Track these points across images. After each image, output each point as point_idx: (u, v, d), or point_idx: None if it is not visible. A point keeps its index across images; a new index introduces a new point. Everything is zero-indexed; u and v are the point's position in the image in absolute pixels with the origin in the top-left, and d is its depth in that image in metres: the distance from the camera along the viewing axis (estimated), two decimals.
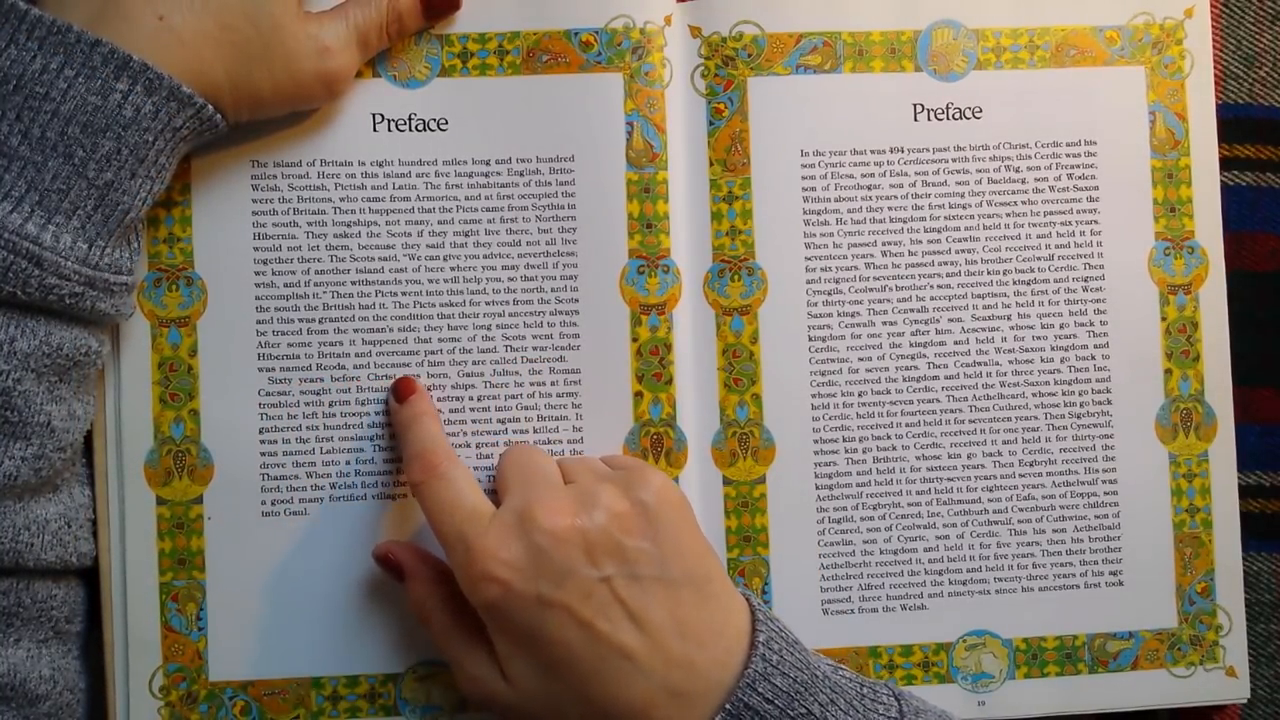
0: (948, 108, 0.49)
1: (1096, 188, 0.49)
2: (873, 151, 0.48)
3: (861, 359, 0.48)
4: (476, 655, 0.42)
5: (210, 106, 0.42)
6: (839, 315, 0.48)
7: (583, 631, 0.40)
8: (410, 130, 0.47)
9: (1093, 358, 0.49)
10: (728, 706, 0.39)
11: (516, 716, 0.41)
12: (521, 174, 0.47)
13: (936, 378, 0.48)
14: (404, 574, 0.44)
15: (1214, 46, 0.50)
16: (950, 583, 0.48)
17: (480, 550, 0.40)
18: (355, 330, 0.46)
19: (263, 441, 0.46)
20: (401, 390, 0.45)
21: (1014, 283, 0.49)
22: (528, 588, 0.39)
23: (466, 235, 0.47)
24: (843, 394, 0.48)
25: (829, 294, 0.48)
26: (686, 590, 0.41)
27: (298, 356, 0.46)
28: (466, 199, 0.47)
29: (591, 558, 0.40)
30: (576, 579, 0.39)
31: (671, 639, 0.40)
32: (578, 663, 0.40)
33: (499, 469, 0.44)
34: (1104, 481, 0.49)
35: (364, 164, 0.46)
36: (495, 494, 0.43)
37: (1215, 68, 0.50)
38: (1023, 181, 0.49)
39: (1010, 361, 0.49)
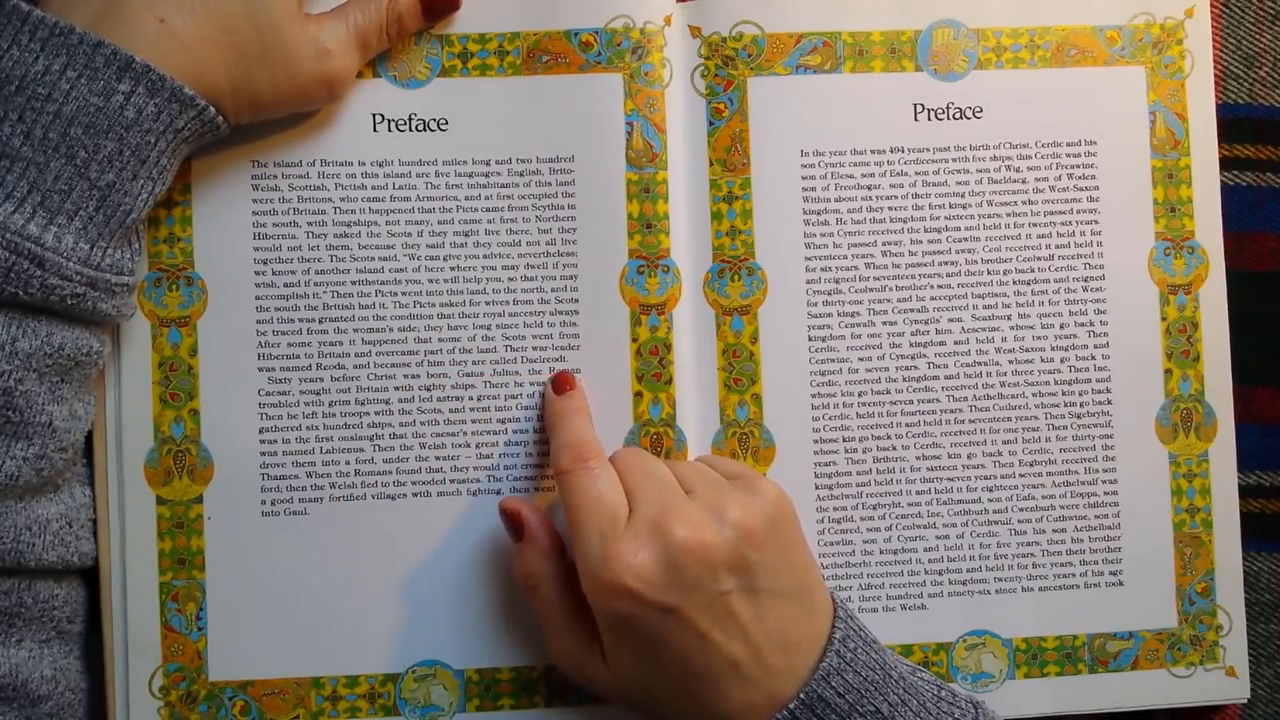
0: (948, 108, 0.49)
1: (1096, 188, 0.49)
2: (873, 151, 0.48)
3: (861, 359, 0.48)
4: (579, 636, 0.43)
5: (212, 108, 0.42)
6: (839, 315, 0.48)
7: (697, 639, 0.40)
8: (410, 130, 0.47)
9: (1093, 358, 0.49)
10: (801, 696, 0.40)
11: (609, 693, 0.43)
12: (521, 174, 0.47)
13: (936, 378, 0.48)
14: (523, 535, 0.44)
15: (1214, 46, 0.50)
16: (950, 583, 0.48)
17: (615, 555, 0.40)
18: (355, 330, 0.46)
19: (263, 441, 0.46)
20: (560, 383, 0.46)
21: (1014, 283, 0.49)
22: (655, 597, 0.40)
23: (466, 235, 0.47)
24: (843, 394, 0.48)
25: (829, 294, 0.48)
26: (793, 603, 0.42)
27: (298, 356, 0.46)
28: (466, 199, 0.47)
29: (717, 573, 0.40)
30: (701, 592, 0.40)
31: (774, 650, 0.41)
32: (686, 665, 0.41)
33: (619, 472, 0.43)
34: (1104, 481, 0.49)
35: (364, 164, 0.46)
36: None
37: (1215, 68, 0.50)
38: (1023, 181, 0.49)
39: (1010, 361, 0.49)
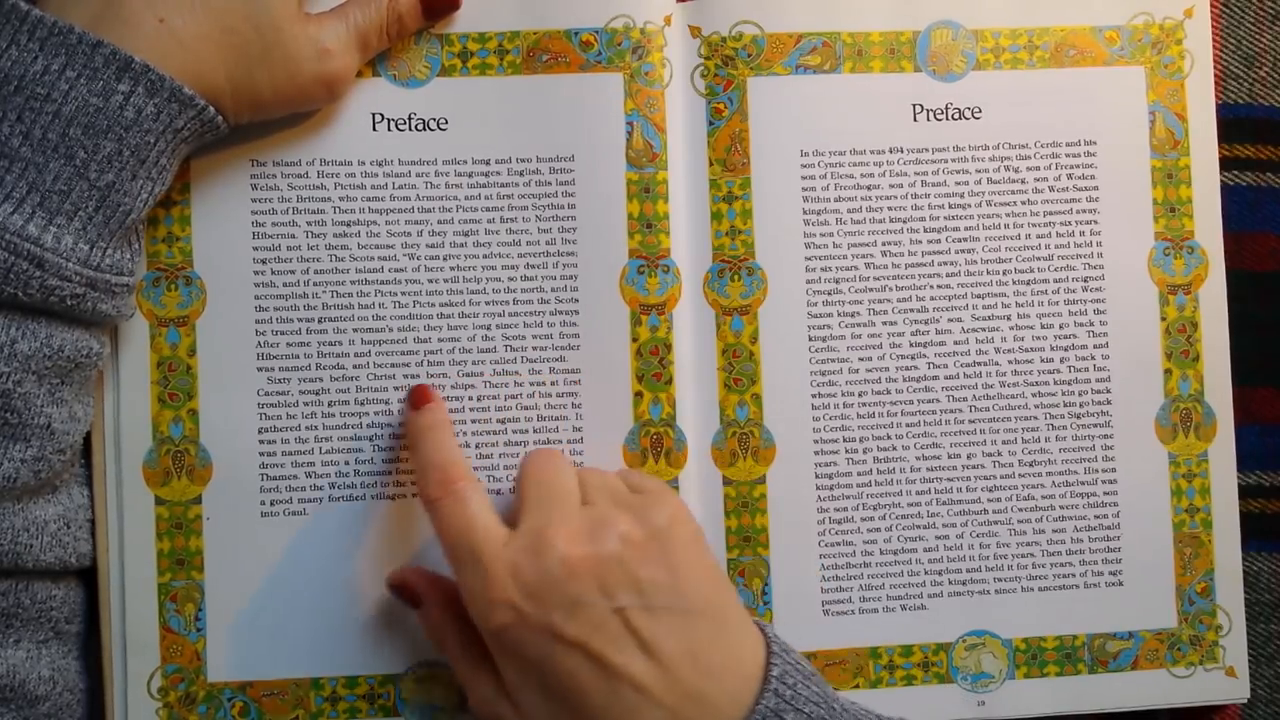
0: (947, 108, 0.49)
1: (1096, 188, 0.49)
2: (872, 151, 0.48)
3: (861, 359, 0.48)
4: (487, 681, 0.42)
5: (211, 108, 0.42)
6: (839, 315, 0.48)
7: (594, 664, 0.39)
8: (410, 130, 0.47)
9: (1092, 358, 0.49)
10: None
11: None
12: (521, 174, 0.47)
13: (936, 378, 0.48)
14: (419, 601, 0.44)
15: (1214, 46, 0.50)
16: (950, 583, 0.48)
17: (493, 575, 0.39)
18: (355, 330, 0.46)
19: (262, 441, 0.46)
20: (417, 398, 0.45)
21: (1014, 283, 0.49)
22: (539, 615, 0.39)
23: (466, 235, 0.47)
24: (843, 394, 0.48)
25: (829, 294, 0.48)
26: (701, 621, 0.40)
27: (297, 356, 0.46)
28: (466, 199, 0.47)
29: (604, 588, 0.39)
30: (589, 609, 0.39)
31: (685, 671, 0.39)
32: (589, 695, 0.39)
33: (519, 479, 0.43)
34: (1104, 481, 0.49)
35: (364, 163, 0.46)
36: (513, 508, 0.43)
37: (1215, 68, 0.50)
38: (1022, 182, 0.49)
39: (1010, 361, 0.49)
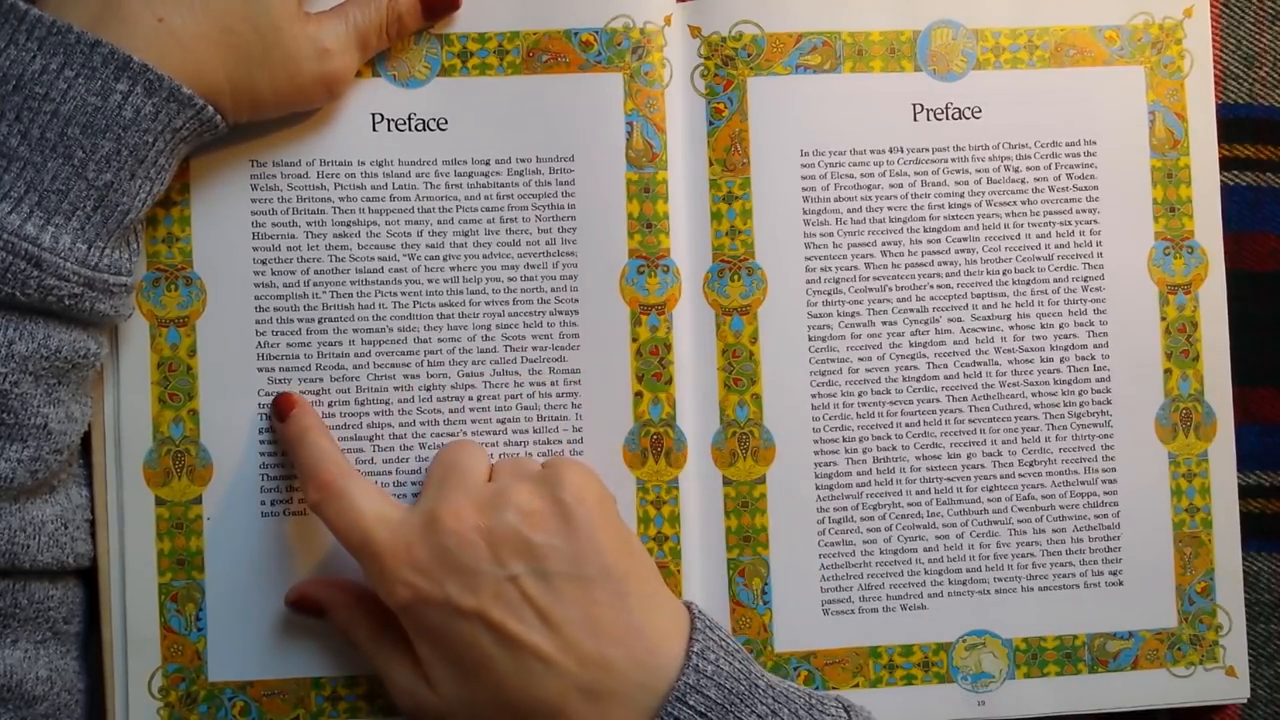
0: (947, 108, 0.49)
1: (1096, 188, 0.49)
2: (872, 151, 0.48)
3: (861, 359, 0.48)
4: (401, 666, 0.42)
5: (210, 108, 0.42)
6: (839, 315, 0.48)
7: (493, 633, 0.40)
8: (410, 130, 0.47)
9: (1092, 358, 0.49)
10: (659, 718, 0.39)
11: None
12: (521, 174, 0.47)
13: (936, 378, 0.48)
14: (322, 609, 0.44)
15: (1214, 46, 0.50)
16: (950, 583, 0.48)
17: (388, 556, 0.40)
18: (355, 330, 0.46)
19: (262, 441, 0.46)
20: (282, 407, 0.45)
21: (1014, 283, 0.49)
22: (435, 590, 0.40)
23: (466, 235, 0.47)
24: (843, 394, 0.48)
25: (829, 294, 0.48)
26: (601, 588, 0.40)
27: (297, 356, 0.46)
28: (466, 199, 0.47)
29: (497, 556, 0.40)
30: (484, 578, 0.40)
31: (584, 637, 0.40)
32: (492, 663, 0.40)
33: (430, 464, 0.44)
34: (1104, 481, 0.49)
35: (363, 164, 0.46)
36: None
37: (1215, 68, 0.50)
38: (1022, 181, 0.49)
39: (1010, 361, 0.49)
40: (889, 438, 0.48)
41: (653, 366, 0.47)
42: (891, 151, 0.48)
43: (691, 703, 0.39)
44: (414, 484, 0.46)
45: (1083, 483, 0.49)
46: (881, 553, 0.48)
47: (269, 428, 0.46)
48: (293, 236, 0.46)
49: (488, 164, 0.47)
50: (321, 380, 0.46)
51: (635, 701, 0.39)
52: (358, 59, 0.45)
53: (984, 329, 0.48)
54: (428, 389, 0.46)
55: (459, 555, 0.40)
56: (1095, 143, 0.49)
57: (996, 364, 0.49)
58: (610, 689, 0.39)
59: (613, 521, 0.42)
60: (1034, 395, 0.49)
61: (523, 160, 0.47)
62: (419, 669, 0.42)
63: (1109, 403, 0.49)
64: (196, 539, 0.46)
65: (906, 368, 0.48)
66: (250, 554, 0.46)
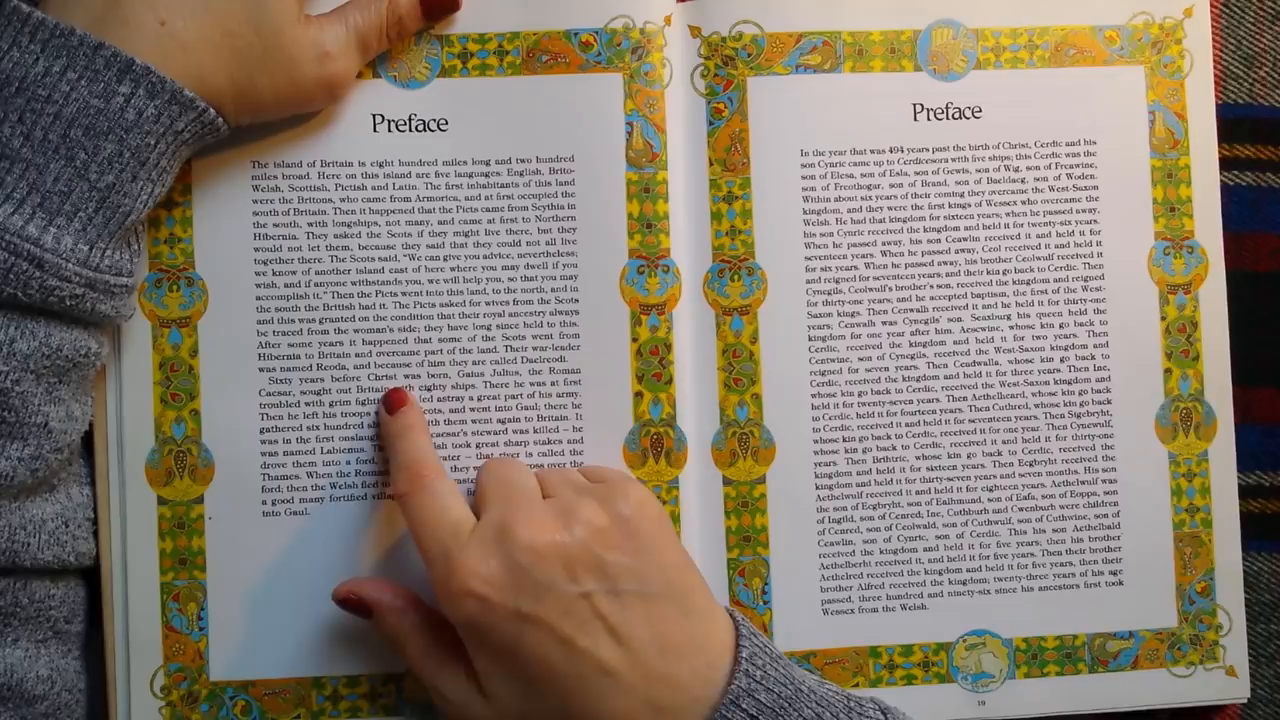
0: (947, 107, 0.49)
1: (1096, 187, 0.49)
2: (872, 151, 0.48)
3: (861, 359, 0.48)
4: (454, 677, 0.42)
5: (212, 110, 0.42)
6: (839, 315, 0.48)
7: (562, 648, 0.39)
8: (410, 130, 0.47)
9: (1093, 357, 0.49)
10: None
11: None
12: (521, 174, 0.47)
13: (936, 378, 0.48)
14: (370, 610, 0.44)
15: (1214, 46, 0.50)
16: (950, 583, 0.48)
17: (460, 565, 0.40)
18: (355, 330, 0.46)
19: (263, 441, 0.46)
20: (392, 402, 0.45)
21: (1014, 283, 0.49)
22: (506, 602, 0.39)
23: (466, 235, 0.47)
24: (843, 394, 0.48)
25: (829, 294, 0.48)
26: (667, 605, 0.41)
27: (298, 357, 0.46)
28: (466, 199, 0.47)
29: (571, 573, 0.40)
30: (556, 594, 0.39)
31: (652, 654, 0.40)
32: (557, 679, 0.40)
33: (478, 482, 0.44)
34: (1104, 481, 0.49)
35: (364, 164, 0.46)
36: (474, 509, 0.43)
37: (1215, 68, 0.50)
38: (1022, 181, 0.49)
39: (1010, 361, 0.49)
40: (889, 438, 0.48)
41: (653, 366, 0.47)
42: (891, 151, 0.48)
43: (744, 706, 0.39)
44: None
45: (1083, 483, 0.49)
46: (881, 553, 0.48)
47: (269, 428, 0.46)
48: (294, 237, 0.46)
49: (488, 164, 0.47)
50: (322, 380, 0.46)
51: (692, 714, 0.40)
52: (358, 61, 0.45)
53: (984, 329, 0.48)
54: (428, 389, 0.46)
55: (533, 570, 0.39)
56: (1095, 143, 0.49)
57: (996, 364, 0.49)
58: (674, 704, 0.40)
59: (673, 538, 0.42)
60: (1034, 395, 0.49)
61: (523, 160, 0.47)
62: (472, 679, 0.41)
63: (1109, 403, 0.49)
64: (198, 538, 0.46)
65: (906, 368, 0.48)
66: (252, 553, 0.46)
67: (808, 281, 0.48)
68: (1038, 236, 0.49)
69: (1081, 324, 0.49)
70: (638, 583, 0.40)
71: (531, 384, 0.47)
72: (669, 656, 0.40)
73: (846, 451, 0.48)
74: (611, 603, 0.40)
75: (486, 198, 0.47)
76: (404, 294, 0.46)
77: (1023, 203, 0.49)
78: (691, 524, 0.48)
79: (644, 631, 0.40)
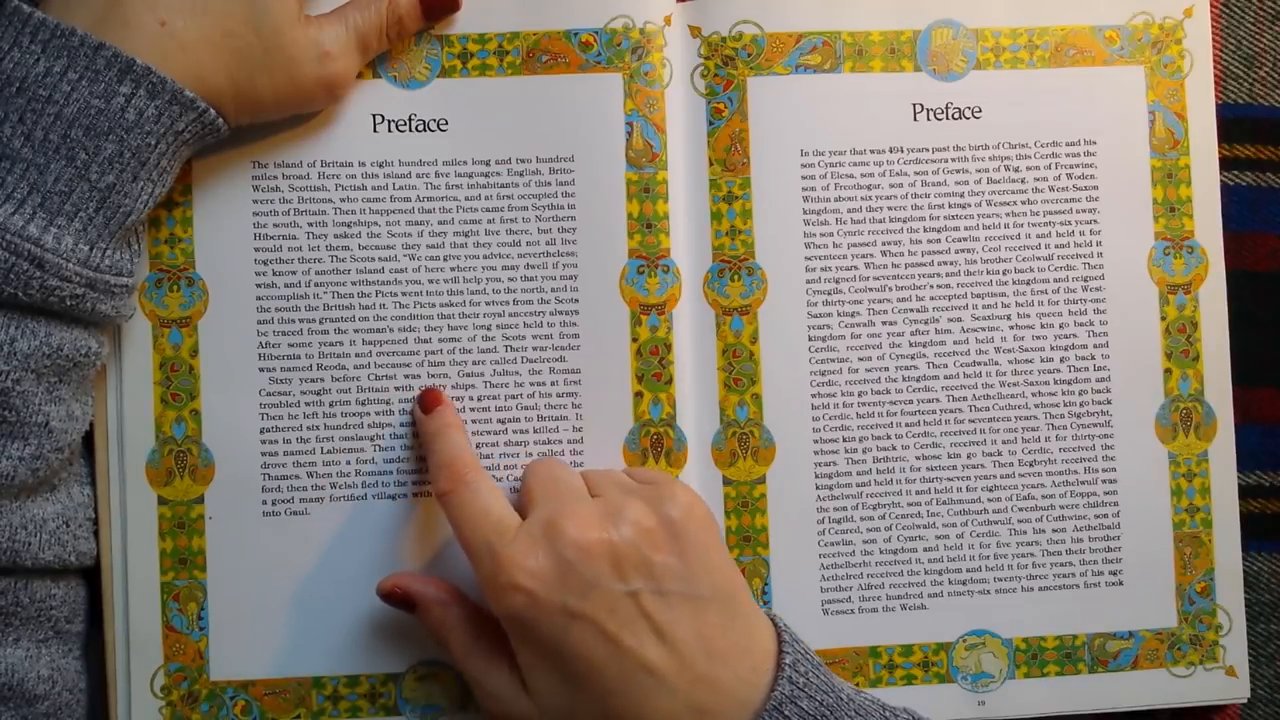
0: (947, 107, 0.49)
1: (1096, 188, 0.49)
2: (872, 151, 0.48)
3: (861, 359, 0.48)
4: (497, 672, 0.42)
5: (212, 110, 0.42)
6: (839, 315, 0.48)
7: (608, 645, 0.40)
8: (410, 131, 0.47)
9: (1092, 357, 0.49)
10: None
11: None
12: (521, 174, 0.47)
13: (936, 378, 0.48)
14: (414, 604, 0.44)
15: (1214, 46, 0.50)
16: (950, 583, 0.48)
17: (506, 559, 0.40)
18: (356, 330, 0.46)
19: (264, 441, 0.46)
20: (428, 401, 0.45)
21: (1014, 283, 0.49)
22: (553, 598, 0.39)
23: (466, 235, 0.47)
24: (843, 394, 0.48)
25: (829, 294, 0.48)
26: (712, 607, 0.41)
27: (298, 357, 0.46)
28: (466, 199, 0.47)
29: (618, 571, 0.40)
30: (602, 592, 0.40)
31: (697, 656, 0.40)
32: (602, 677, 0.40)
33: (525, 481, 0.44)
34: (1104, 481, 0.49)
35: (364, 164, 0.46)
36: (520, 508, 0.43)
37: (1215, 68, 0.50)
38: (1022, 181, 0.49)
39: (1010, 361, 0.49)
40: (889, 438, 0.48)
41: (653, 366, 0.47)
42: (891, 151, 0.48)
43: (787, 712, 0.39)
44: (414, 484, 0.47)
45: (1083, 483, 0.49)
46: (881, 553, 0.48)
47: (269, 428, 0.46)
48: (294, 237, 0.46)
49: (488, 164, 0.47)
50: (322, 380, 0.46)
51: (734, 718, 0.40)
52: (358, 61, 0.45)
53: (984, 329, 0.48)
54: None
55: (580, 567, 0.39)
56: (1095, 143, 0.49)
57: (996, 364, 0.49)
58: (716, 707, 0.40)
59: (719, 541, 0.43)
60: (1034, 395, 0.49)
61: (523, 160, 0.47)
62: (515, 675, 0.42)
63: (1109, 403, 0.49)
64: (198, 538, 0.46)
65: (906, 368, 0.48)
66: (252, 553, 0.46)
67: (808, 281, 0.48)
68: (1038, 236, 0.49)
69: (1081, 324, 0.49)
70: (684, 584, 0.40)
71: (531, 384, 0.47)
72: (714, 659, 0.40)
73: (846, 451, 0.48)
74: (657, 602, 0.40)
75: (486, 198, 0.47)
76: (404, 294, 0.46)
77: (1023, 203, 0.49)
78: None
79: (689, 633, 0.40)
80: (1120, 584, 0.49)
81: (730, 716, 0.40)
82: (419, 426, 0.46)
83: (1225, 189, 0.50)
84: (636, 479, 0.45)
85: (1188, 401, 0.49)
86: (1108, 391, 0.49)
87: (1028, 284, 0.49)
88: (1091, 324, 0.49)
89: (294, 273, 0.46)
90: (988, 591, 0.48)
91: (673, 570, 0.40)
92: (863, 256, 0.48)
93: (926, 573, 0.48)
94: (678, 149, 0.48)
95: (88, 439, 0.45)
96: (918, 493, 0.48)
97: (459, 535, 0.42)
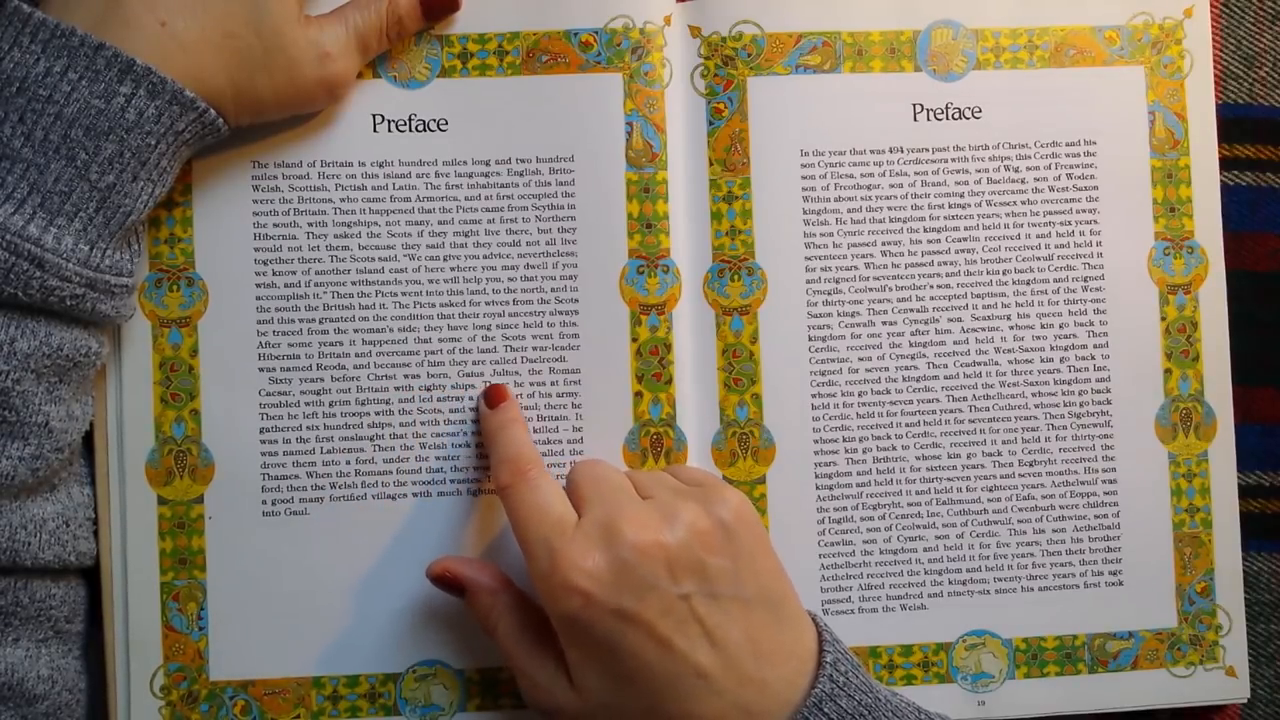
0: (947, 108, 0.49)
1: (1096, 188, 0.49)
2: (872, 151, 0.48)
3: (861, 359, 0.48)
4: (544, 664, 0.42)
5: (212, 111, 0.42)
6: (839, 315, 0.48)
7: (659, 647, 0.40)
8: (410, 131, 0.47)
9: (1092, 358, 0.49)
10: None
11: None
12: (521, 174, 0.47)
13: (936, 378, 0.48)
14: (464, 589, 0.44)
15: (1214, 46, 0.50)
16: (950, 583, 0.48)
17: (565, 558, 0.40)
18: (355, 330, 0.46)
19: (263, 441, 0.46)
20: (493, 397, 0.45)
21: (1014, 283, 0.49)
22: (608, 600, 0.39)
23: (466, 235, 0.47)
24: (843, 394, 0.48)
25: (829, 294, 0.48)
26: (762, 610, 0.41)
27: (298, 356, 0.46)
28: (466, 199, 0.47)
29: (673, 574, 0.40)
30: (657, 594, 0.40)
31: (746, 659, 0.40)
32: (651, 678, 0.40)
33: (571, 481, 0.44)
34: (1104, 481, 0.49)
35: (364, 164, 0.47)
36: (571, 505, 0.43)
37: (1215, 68, 0.50)
38: (1022, 181, 0.49)
39: (1010, 361, 0.49)
40: (889, 438, 0.48)
41: (653, 366, 0.47)
42: (891, 151, 0.48)
43: (826, 710, 0.40)
44: (414, 484, 0.47)
45: (1083, 483, 0.49)
46: (881, 553, 0.48)
47: (269, 428, 0.46)
48: (294, 237, 0.46)
49: (488, 164, 0.47)
50: (322, 380, 0.46)
51: (777, 717, 0.40)
52: (358, 62, 0.45)
53: (984, 329, 0.48)
54: (428, 389, 0.47)
55: (638, 568, 0.40)
56: (1095, 143, 0.49)
57: (996, 364, 0.49)
58: (763, 708, 0.40)
59: (768, 544, 0.43)
60: (1034, 395, 0.49)
61: (523, 160, 0.47)
62: (560, 667, 0.42)
63: (1109, 403, 0.49)
64: (198, 538, 0.46)
65: (906, 368, 0.48)
66: (251, 553, 0.46)
67: (808, 281, 0.48)
68: (1038, 237, 0.49)
69: (1081, 324, 0.49)
70: (735, 587, 0.41)
71: (531, 384, 0.47)
72: (761, 661, 0.40)
73: (846, 451, 0.48)
74: (709, 605, 0.40)
75: (486, 198, 0.47)
76: (404, 294, 0.47)
77: (1023, 203, 0.49)
78: None
79: (739, 636, 0.40)
80: (1120, 584, 0.49)
81: (775, 716, 0.40)
82: (482, 422, 0.46)
83: (1225, 189, 0.50)
84: (681, 479, 0.44)
85: (1188, 401, 0.49)
86: (1108, 392, 0.49)
87: (1028, 284, 0.49)
88: (1091, 324, 0.49)
89: (294, 273, 0.46)
90: (988, 592, 0.48)
91: (725, 573, 0.41)
92: (863, 256, 0.48)
93: (926, 573, 0.48)
94: (678, 149, 0.48)
95: (88, 439, 0.45)
96: (918, 493, 0.48)
97: (516, 531, 0.42)
